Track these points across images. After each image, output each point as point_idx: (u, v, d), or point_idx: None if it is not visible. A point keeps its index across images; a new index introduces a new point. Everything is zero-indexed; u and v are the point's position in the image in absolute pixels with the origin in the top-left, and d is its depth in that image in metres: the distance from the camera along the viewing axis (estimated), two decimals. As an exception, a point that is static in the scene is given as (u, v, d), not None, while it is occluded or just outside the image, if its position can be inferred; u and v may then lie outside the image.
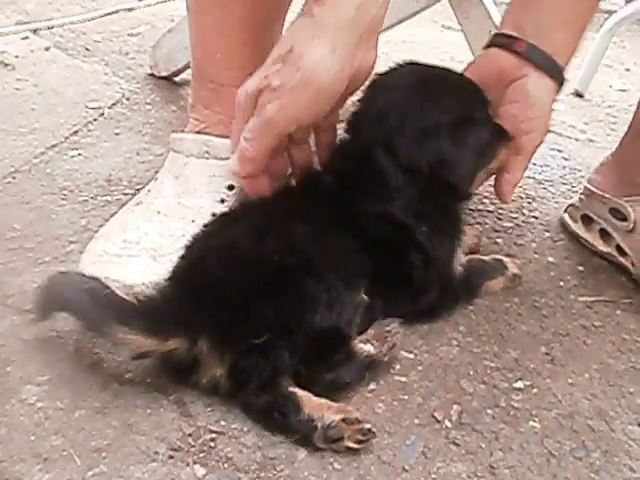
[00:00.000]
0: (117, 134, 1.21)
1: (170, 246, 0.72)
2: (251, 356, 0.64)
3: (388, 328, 0.74)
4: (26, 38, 1.67)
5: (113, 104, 1.32)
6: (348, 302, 0.69)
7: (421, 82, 0.76)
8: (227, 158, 0.79)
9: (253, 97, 0.66)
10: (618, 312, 0.90)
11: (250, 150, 0.66)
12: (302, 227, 0.69)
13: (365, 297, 0.71)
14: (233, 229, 0.70)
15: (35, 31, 1.73)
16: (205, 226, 0.73)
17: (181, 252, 0.70)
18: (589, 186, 1.03)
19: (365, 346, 0.72)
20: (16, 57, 1.52)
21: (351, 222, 0.73)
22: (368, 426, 0.64)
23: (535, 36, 0.78)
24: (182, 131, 0.82)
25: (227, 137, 0.79)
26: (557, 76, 0.80)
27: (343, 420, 0.64)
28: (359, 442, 0.64)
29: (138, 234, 0.75)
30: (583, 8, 0.80)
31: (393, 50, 1.73)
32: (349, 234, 0.72)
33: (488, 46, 0.83)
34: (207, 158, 0.78)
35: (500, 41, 0.81)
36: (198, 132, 0.80)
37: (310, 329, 0.65)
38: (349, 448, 0.64)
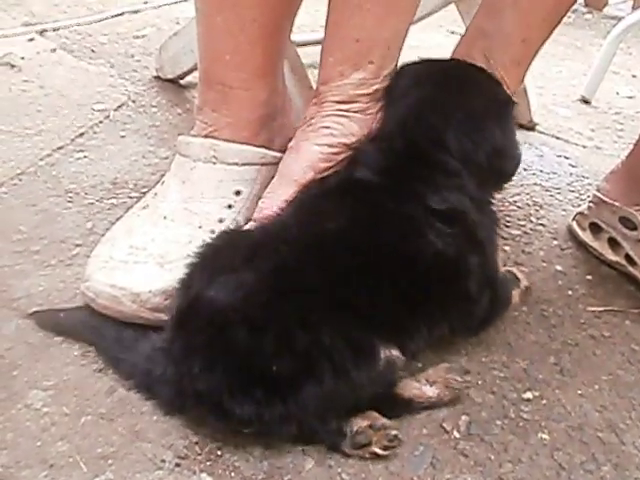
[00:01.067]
0: (123, 136, 1.21)
1: (177, 252, 0.72)
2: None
3: (453, 377, 0.71)
4: (32, 40, 1.66)
5: (119, 106, 1.31)
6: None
7: (448, 74, 0.76)
8: (234, 163, 0.78)
9: None
10: (627, 322, 0.89)
11: None
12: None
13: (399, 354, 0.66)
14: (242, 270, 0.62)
15: (41, 32, 1.73)
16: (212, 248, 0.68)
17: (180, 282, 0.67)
18: (598, 194, 1.02)
19: (425, 388, 0.70)
20: (22, 58, 1.52)
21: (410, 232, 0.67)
22: (395, 432, 0.65)
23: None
24: (189, 134, 0.82)
25: (235, 141, 0.79)
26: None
27: (370, 426, 0.64)
28: (385, 448, 0.65)
29: (145, 239, 0.74)
30: (533, 50, 0.83)
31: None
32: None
33: None
34: (214, 163, 0.77)
35: None
36: (205, 136, 0.79)
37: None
38: (376, 454, 0.65)
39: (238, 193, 0.78)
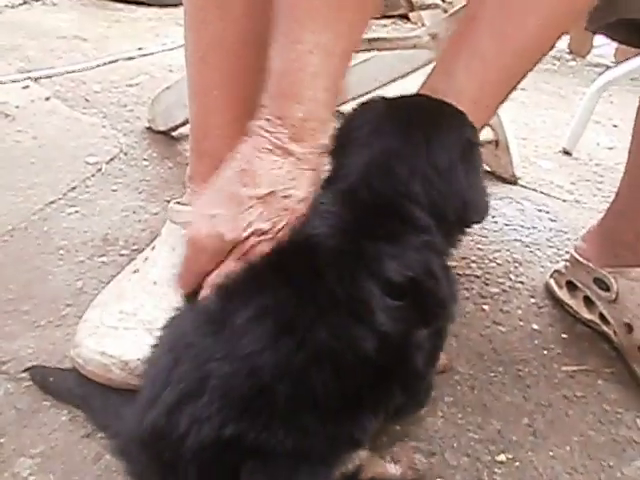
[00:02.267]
0: (114, 190, 1.25)
1: (165, 319, 0.75)
2: None
3: (418, 458, 0.71)
4: (27, 87, 1.72)
5: (111, 159, 1.36)
6: None
7: (411, 115, 0.69)
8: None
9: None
10: (600, 382, 0.93)
11: None
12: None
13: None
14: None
15: (36, 79, 1.78)
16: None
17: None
18: (575, 254, 1.07)
19: (389, 466, 0.70)
20: (17, 107, 1.57)
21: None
22: None
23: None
24: (179, 203, 0.86)
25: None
26: None
27: None
28: None
29: (135, 305, 0.78)
30: (486, 111, 0.81)
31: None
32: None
33: None
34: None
35: None
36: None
37: None
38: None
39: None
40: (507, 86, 0.79)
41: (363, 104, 0.71)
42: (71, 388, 0.75)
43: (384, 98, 0.71)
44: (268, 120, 0.63)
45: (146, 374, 0.63)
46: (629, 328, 0.96)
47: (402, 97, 0.72)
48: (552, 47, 0.77)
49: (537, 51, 0.76)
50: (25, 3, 2.50)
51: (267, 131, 0.63)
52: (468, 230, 0.72)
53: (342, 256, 0.61)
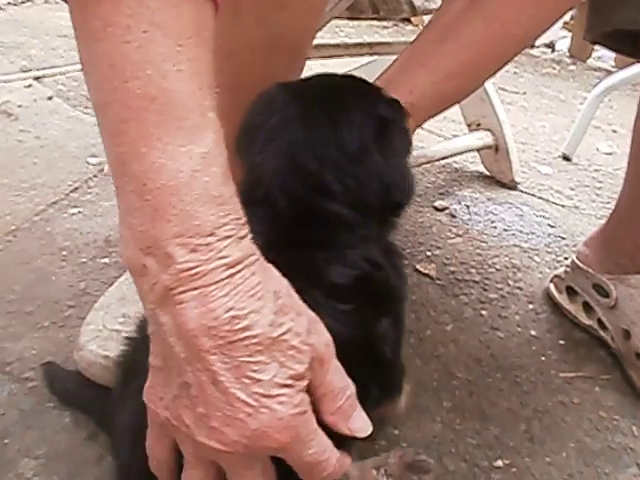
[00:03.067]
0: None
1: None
2: None
3: (410, 476, 0.67)
4: (29, 86, 1.73)
5: (113, 160, 1.37)
6: None
7: (309, 98, 0.63)
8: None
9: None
10: (597, 389, 0.94)
11: None
12: None
13: None
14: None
15: (38, 79, 1.79)
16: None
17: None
18: (576, 260, 1.08)
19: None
20: (19, 107, 1.58)
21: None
22: None
23: None
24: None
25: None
26: None
27: None
28: None
29: (137, 308, 0.78)
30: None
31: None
32: None
33: None
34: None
35: None
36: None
37: None
38: None
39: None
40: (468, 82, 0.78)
41: (263, 93, 0.65)
42: (74, 389, 0.76)
43: (282, 84, 0.65)
44: None
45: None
46: (627, 334, 0.97)
47: (304, 79, 0.67)
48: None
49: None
50: (28, 0, 2.51)
51: None
52: (402, 212, 0.65)
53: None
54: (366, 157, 0.60)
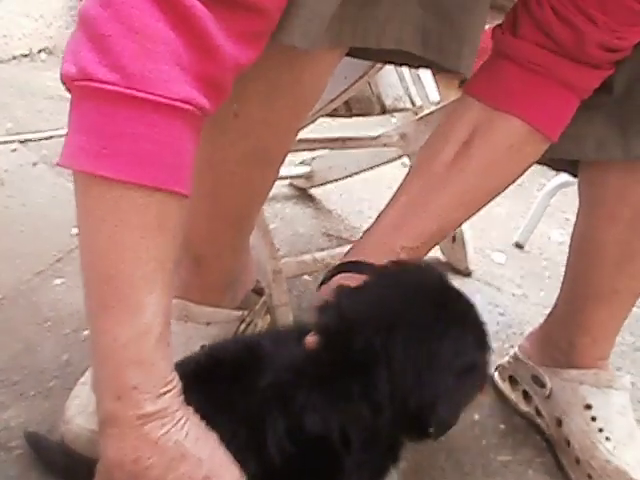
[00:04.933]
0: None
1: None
2: None
3: None
4: (15, 150, 1.84)
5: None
6: None
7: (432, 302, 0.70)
8: (204, 323, 0.96)
9: None
10: (530, 471, 1.07)
11: None
12: None
13: None
14: None
15: (23, 142, 1.91)
16: None
17: None
18: (518, 352, 1.22)
19: None
20: (6, 171, 1.69)
21: None
22: None
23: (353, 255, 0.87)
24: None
25: (204, 304, 0.97)
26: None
27: None
28: None
29: (121, 385, 0.90)
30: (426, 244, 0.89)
31: (355, 189, 1.96)
32: None
33: (332, 275, 0.86)
34: (185, 321, 0.95)
35: (347, 267, 0.86)
36: (177, 296, 0.96)
37: None
38: None
39: (203, 348, 0.95)
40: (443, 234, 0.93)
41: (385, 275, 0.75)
42: (59, 458, 0.86)
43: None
44: None
45: None
46: (559, 422, 1.11)
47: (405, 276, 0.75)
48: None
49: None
50: (14, 59, 2.65)
51: None
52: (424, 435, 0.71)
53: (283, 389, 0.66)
54: (442, 373, 0.67)
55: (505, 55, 0.88)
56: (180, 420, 0.61)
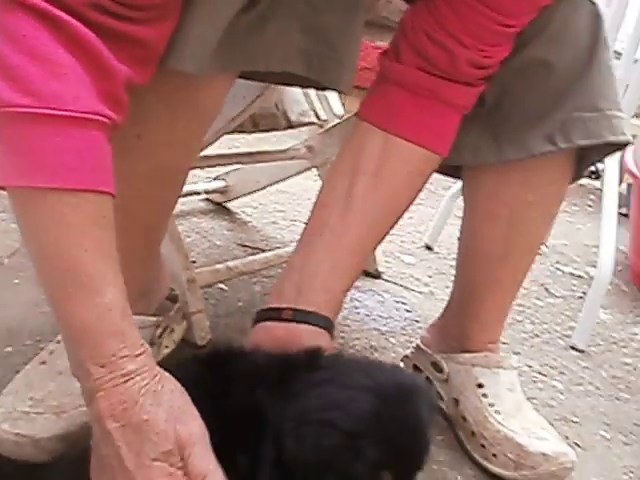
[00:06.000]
0: (17, 284, 1.43)
1: (71, 403, 0.95)
2: None
3: None
4: None
5: (12, 253, 1.54)
6: None
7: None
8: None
9: None
10: (433, 448, 1.18)
11: None
12: None
13: None
14: None
15: None
16: None
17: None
18: (419, 342, 1.36)
19: None
20: None
21: None
22: None
23: (296, 300, 0.95)
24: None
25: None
26: (327, 326, 0.95)
27: None
28: None
29: (43, 393, 0.97)
30: (347, 275, 0.99)
31: (269, 200, 2.08)
32: None
33: (256, 322, 0.96)
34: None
35: (267, 315, 0.96)
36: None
37: None
38: None
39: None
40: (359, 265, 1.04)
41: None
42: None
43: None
44: None
45: None
46: (456, 402, 1.25)
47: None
48: None
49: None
50: None
51: None
52: None
53: None
54: None
55: (392, 80, 1.02)
56: (157, 376, 0.73)
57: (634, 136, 1.90)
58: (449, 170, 1.23)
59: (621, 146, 1.08)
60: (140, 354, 0.72)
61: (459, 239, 1.30)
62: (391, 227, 1.06)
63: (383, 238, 1.07)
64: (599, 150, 1.09)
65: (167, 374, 0.74)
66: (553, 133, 1.06)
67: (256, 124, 1.58)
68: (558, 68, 1.03)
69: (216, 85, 0.91)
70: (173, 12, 0.79)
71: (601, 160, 1.18)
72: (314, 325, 0.92)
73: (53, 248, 0.70)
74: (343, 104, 1.78)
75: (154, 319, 1.11)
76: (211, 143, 1.33)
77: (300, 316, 0.93)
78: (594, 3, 1.03)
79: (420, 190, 1.06)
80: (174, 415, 0.71)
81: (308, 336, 0.91)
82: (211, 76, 0.86)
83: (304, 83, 1.03)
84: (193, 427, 0.72)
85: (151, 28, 0.76)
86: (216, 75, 0.87)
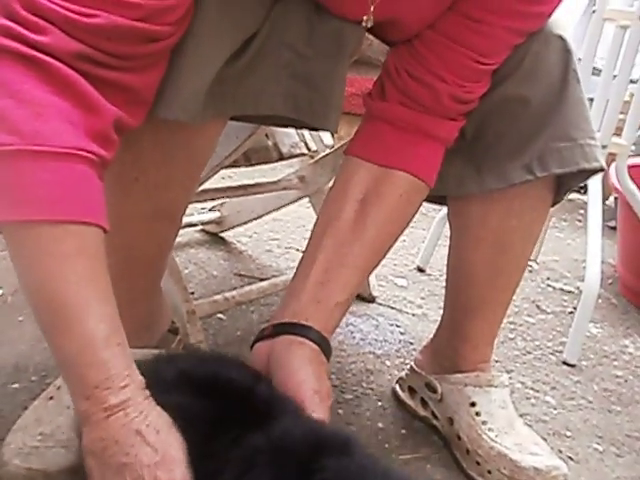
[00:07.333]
0: (21, 321, 1.48)
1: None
2: None
3: None
4: None
5: (15, 290, 1.59)
6: None
7: None
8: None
9: None
10: (429, 466, 1.25)
11: None
12: None
13: None
14: None
15: None
16: None
17: None
18: (413, 364, 1.42)
19: None
20: None
21: None
22: None
23: (282, 315, 0.96)
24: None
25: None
26: (308, 335, 0.93)
27: None
28: None
29: (52, 427, 1.02)
30: (340, 288, 1.00)
31: (264, 229, 2.14)
32: None
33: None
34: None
35: (256, 338, 0.98)
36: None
37: None
38: None
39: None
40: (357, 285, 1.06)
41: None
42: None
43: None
44: None
45: None
46: (450, 421, 1.30)
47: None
48: None
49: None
50: None
51: None
52: None
53: None
54: None
55: (378, 117, 1.08)
56: (143, 411, 0.71)
57: (614, 153, 1.98)
58: (435, 199, 1.29)
59: (595, 172, 1.14)
60: (125, 386, 0.71)
61: (447, 263, 1.36)
62: (390, 246, 1.09)
63: (382, 257, 1.10)
64: (575, 177, 1.15)
65: (158, 408, 0.73)
66: (531, 163, 1.12)
67: (249, 159, 1.64)
68: (534, 102, 1.10)
69: (209, 128, 0.97)
70: (161, 61, 0.84)
71: (578, 185, 1.24)
72: (292, 334, 0.92)
73: (38, 280, 0.73)
74: (332, 134, 1.85)
75: (156, 351, 1.15)
76: (206, 179, 1.39)
77: (279, 329, 0.94)
78: (564, 39, 1.10)
79: (412, 216, 1.11)
80: (156, 460, 0.69)
81: (280, 346, 0.91)
82: (203, 122, 0.92)
83: (294, 124, 1.09)
84: (176, 474, 0.70)
85: (139, 76, 0.81)
86: (208, 121, 0.93)
